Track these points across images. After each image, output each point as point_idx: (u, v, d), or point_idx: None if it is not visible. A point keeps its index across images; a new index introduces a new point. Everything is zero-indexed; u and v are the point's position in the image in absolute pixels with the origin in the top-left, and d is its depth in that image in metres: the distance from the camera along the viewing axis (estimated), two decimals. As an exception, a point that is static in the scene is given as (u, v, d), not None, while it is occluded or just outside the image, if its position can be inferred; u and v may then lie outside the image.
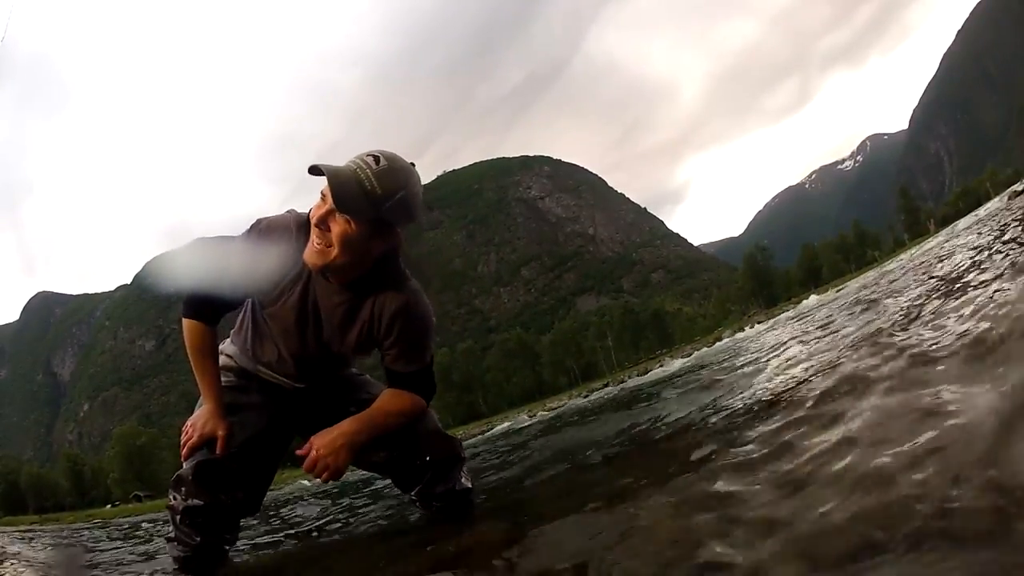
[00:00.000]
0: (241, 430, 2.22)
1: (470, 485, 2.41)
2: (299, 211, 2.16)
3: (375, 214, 1.91)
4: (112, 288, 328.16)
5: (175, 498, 2.15)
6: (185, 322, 2.25)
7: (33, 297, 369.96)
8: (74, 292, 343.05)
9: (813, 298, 26.16)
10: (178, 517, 2.15)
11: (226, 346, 2.39)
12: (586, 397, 26.80)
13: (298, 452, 2.10)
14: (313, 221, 1.95)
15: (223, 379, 2.28)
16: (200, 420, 2.20)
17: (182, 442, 2.20)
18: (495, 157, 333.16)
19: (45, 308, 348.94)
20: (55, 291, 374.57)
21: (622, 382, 33.86)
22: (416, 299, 2.13)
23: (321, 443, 2.05)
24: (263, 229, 2.10)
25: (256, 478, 2.28)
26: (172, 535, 2.21)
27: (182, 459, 2.19)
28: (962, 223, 18.87)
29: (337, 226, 1.93)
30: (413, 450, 2.27)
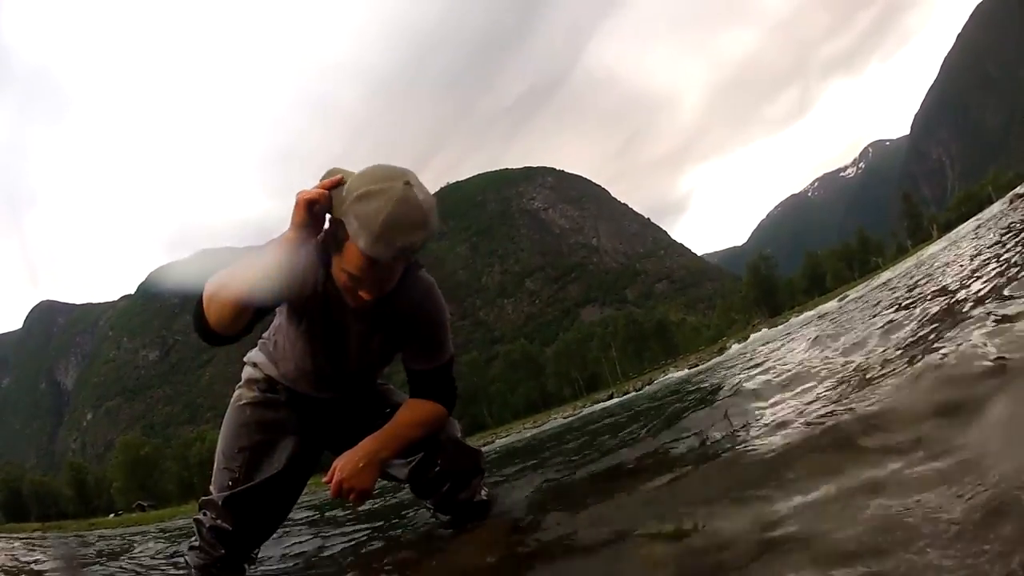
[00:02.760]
0: (271, 459, 2.15)
1: (487, 498, 2.37)
2: None
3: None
4: (116, 298, 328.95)
5: (204, 515, 2.14)
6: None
7: (36, 306, 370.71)
8: (78, 301, 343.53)
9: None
10: (204, 531, 2.13)
11: (252, 354, 2.30)
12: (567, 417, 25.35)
13: (324, 480, 2.05)
14: (363, 268, 1.74)
15: (250, 393, 2.21)
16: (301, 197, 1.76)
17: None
18: (498, 169, 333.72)
19: (48, 317, 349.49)
20: (58, 300, 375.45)
21: (625, 392, 33.86)
22: (431, 290, 2.06)
23: (344, 466, 2.00)
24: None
25: (286, 502, 2.27)
26: (196, 543, 2.18)
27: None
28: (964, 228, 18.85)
29: (391, 276, 1.86)
30: (433, 459, 2.24)
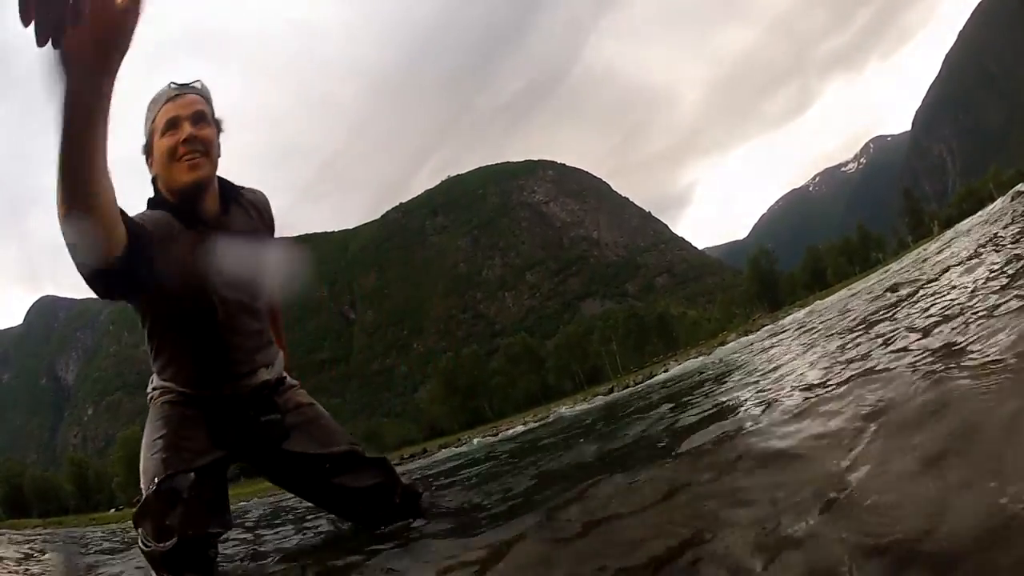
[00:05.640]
0: (199, 448, 2.07)
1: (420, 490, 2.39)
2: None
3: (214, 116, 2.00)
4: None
5: (146, 542, 1.91)
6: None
7: (37, 301, 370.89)
8: (78, 296, 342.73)
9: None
10: (157, 563, 1.92)
11: (154, 383, 2.23)
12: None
13: None
14: (174, 140, 1.89)
15: (162, 397, 2.16)
16: None
17: None
18: (499, 162, 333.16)
19: (49, 312, 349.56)
20: (59, 295, 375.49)
21: (627, 386, 33.79)
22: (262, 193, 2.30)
23: None
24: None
25: (219, 500, 2.13)
26: None
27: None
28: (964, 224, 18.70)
29: (204, 130, 1.92)
30: (391, 494, 2.23)
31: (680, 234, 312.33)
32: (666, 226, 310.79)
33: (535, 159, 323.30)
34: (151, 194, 2.03)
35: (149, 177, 2.06)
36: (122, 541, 5.35)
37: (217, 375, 2.12)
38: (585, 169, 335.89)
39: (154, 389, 2.21)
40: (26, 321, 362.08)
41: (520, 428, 25.24)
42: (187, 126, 1.91)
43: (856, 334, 3.70)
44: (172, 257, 1.89)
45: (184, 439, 2.06)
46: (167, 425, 2.07)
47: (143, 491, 1.98)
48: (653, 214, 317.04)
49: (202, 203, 2.01)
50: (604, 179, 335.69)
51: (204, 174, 1.94)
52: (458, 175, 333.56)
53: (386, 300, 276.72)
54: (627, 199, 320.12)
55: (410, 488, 2.30)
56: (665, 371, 31.63)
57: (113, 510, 70.90)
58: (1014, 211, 10.53)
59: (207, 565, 2.00)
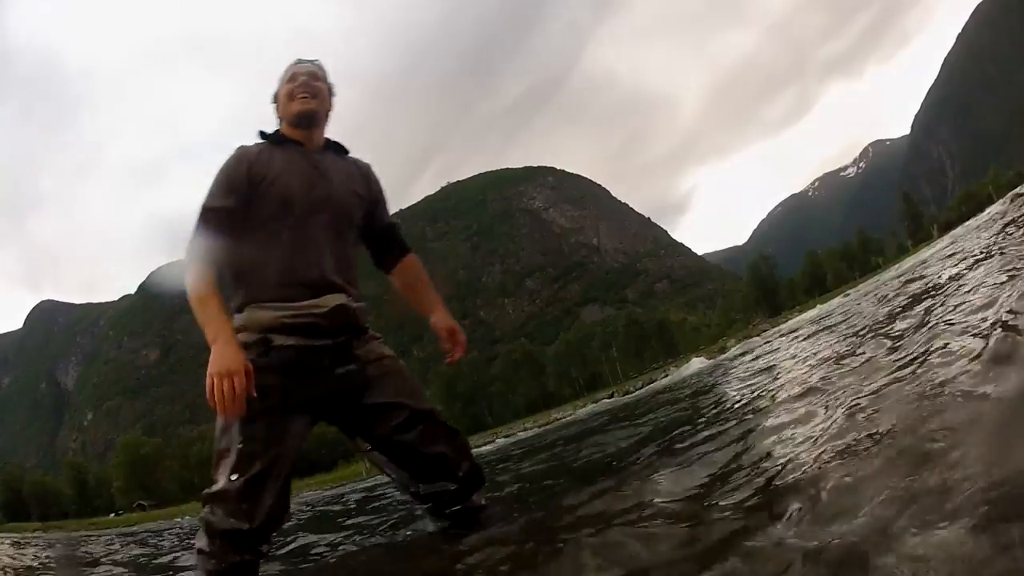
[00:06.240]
0: (278, 431, 2.07)
1: (484, 503, 2.37)
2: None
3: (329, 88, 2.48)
4: (116, 297, 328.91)
5: (213, 513, 1.99)
6: (190, 274, 2.14)
7: (37, 306, 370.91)
8: (78, 301, 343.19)
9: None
10: (216, 538, 1.99)
11: (235, 320, 2.20)
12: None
13: (448, 343, 2.51)
14: (293, 86, 2.39)
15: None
16: (219, 364, 1.92)
17: (215, 399, 1.91)
18: (499, 168, 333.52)
19: (49, 317, 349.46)
20: (59, 299, 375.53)
21: (627, 392, 33.87)
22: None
23: (456, 327, 2.54)
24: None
25: (288, 482, 2.13)
26: (206, 548, 2.02)
27: (222, 413, 1.95)
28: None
29: (315, 82, 2.41)
30: (455, 464, 2.28)
31: (680, 240, 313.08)
32: (665, 232, 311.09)
33: (535, 165, 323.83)
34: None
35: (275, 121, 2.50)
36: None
37: (297, 279, 2.18)
38: (584, 175, 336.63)
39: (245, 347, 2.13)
40: (26, 325, 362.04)
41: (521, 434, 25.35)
42: (302, 78, 2.39)
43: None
44: (275, 166, 2.25)
45: (273, 417, 2.06)
46: (259, 399, 2.01)
47: (222, 471, 2.02)
48: (652, 220, 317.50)
49: (309, 136, 2.40)
50: (603, 185, 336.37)
51: (310, 107, 2.37)
52: (458, 181, 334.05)
53: (385, 307, 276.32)
54: (627, 205, 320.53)
55: (476, 469, 2.33)
56: (665, 376, 31.66)
57: (113, 515, 70.85)
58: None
59: (268, 544, 2.10)
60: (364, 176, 2.51)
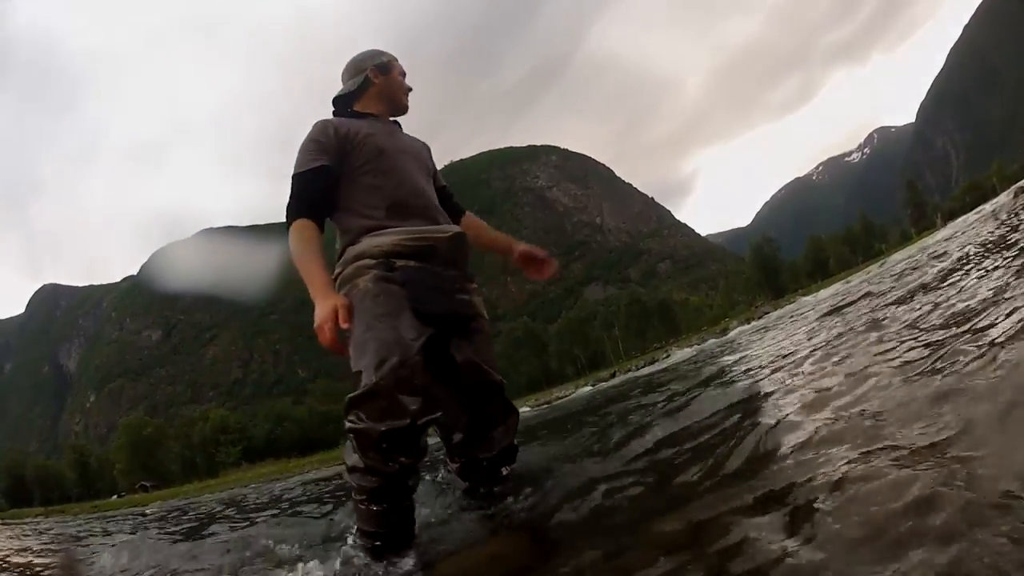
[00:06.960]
0: (415, 326, 2.09)
1: (506, 472, 2.42)
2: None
3: None
4: (118, 279, 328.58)
5: (361, 419, 1.96)
6: (293, 228, 2.21)
7: (39, 290, 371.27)
8: (80, 284, 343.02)
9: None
10: (371, 445, 1.94)
11: (346, 255, 2.28)
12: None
13: (541, 258, 2.68)
14: (403, 80, 2.65)
15: (365, 277, 2.16)
16: (317, 317, 1.97)
17: (327, 336, 1.95)
18: (502, 147, 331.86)
19: (51, 300, 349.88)
20: (61, 283, 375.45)
21: (628, 370, 33.50)
22: None
23: (533, 248, 2.70)
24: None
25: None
26: (360, 464, 1.98)
27: (330, 347, 1.98)
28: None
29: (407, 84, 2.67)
30: (508, 435, 2.38)
31: (683, 220, 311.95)
32: (669, 212, 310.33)
33: (538, 144, 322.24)
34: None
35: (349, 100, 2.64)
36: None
37: (408, 207, 2.33)
38: (588, 155, 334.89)
39: (353, 261, 2.22)
40: (28, 310, 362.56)
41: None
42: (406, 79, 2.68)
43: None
44: (362, 127, 2.41)
45: (401, 318, 2.08)
46: (386, 302, 2.10)
47: (365, 370, 1.99)
48: (656, 200, 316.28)
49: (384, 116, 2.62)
50: (607, 165, 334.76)
51: (409, 105, 2.68)
52: (461, 160, 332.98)
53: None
54: (630, 185, 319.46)
55: (513, 448, 2.40)
56: (667, 356, 31.22)
57: (115, 496, 70.76)
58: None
59: (421, 452, 2.05)
60: (423, 145, 2.73)
